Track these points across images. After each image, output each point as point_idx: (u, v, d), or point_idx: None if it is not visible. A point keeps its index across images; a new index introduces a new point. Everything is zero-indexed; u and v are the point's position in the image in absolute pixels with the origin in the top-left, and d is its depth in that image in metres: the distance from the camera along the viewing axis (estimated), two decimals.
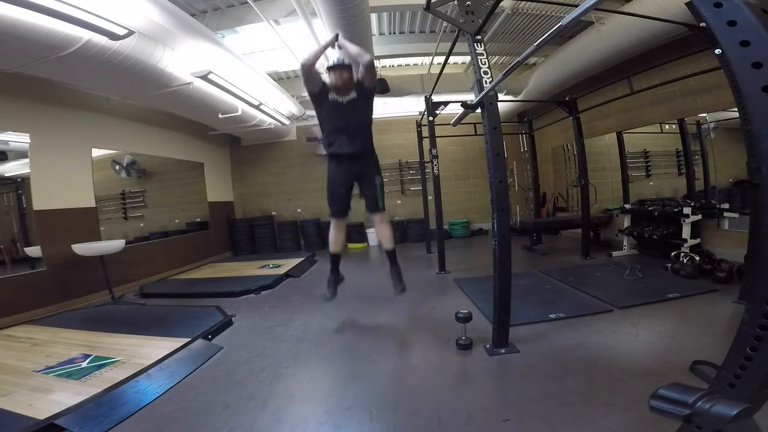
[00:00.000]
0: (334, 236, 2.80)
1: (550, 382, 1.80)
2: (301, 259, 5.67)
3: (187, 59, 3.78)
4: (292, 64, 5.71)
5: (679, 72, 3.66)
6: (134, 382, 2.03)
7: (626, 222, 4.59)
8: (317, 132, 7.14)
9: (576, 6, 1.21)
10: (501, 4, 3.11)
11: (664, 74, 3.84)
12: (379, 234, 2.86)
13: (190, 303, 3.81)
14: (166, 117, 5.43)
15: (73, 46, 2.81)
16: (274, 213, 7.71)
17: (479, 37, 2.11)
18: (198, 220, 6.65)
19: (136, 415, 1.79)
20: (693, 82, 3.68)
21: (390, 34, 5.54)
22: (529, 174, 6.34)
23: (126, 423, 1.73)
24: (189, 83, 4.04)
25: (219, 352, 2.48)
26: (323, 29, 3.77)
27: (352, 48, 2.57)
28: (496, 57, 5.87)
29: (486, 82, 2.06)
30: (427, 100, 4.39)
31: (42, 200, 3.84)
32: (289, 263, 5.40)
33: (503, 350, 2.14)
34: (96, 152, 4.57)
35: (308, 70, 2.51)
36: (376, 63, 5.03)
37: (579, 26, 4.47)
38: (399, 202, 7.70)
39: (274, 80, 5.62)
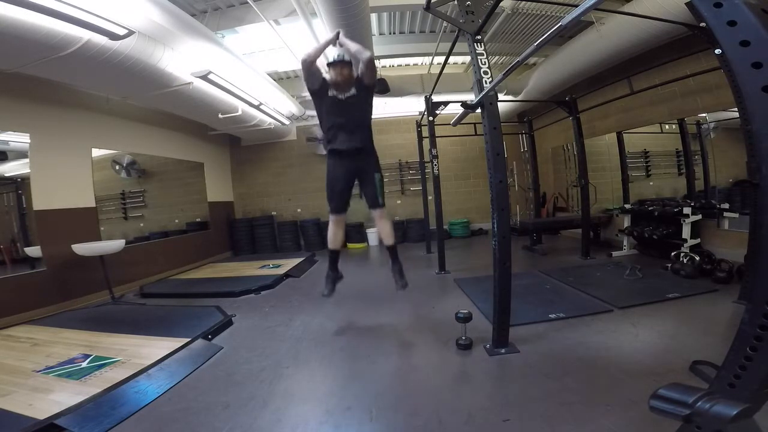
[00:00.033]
0: (333, 232, 2.79)
1: (550, 382, 1.80)
2: (301, 259, 5.67)
3: (187, 59, 3.78)
4: (292, 64, 5.71)
5: (679, 72, 3.66)
6: (134, 382, 2.03)
7: (626, 222, 4.59)
8: (317, 132, 7.15)
9: (576, 6, 1.21)
10: (501, 4, 3.11)
11: (664, 74, 3.84)
12: (379, 230, 2.86)
13: (190, 303, 3.81)
14: (166, 117, 5.43)
15: (73, 46, 2.81)
16: (274, 213, 7.71)
17: (479, 37, 2.11)
18: (198, 220, 6.65)
19: (136, 415, 1.79)
20: (693, 82, 3.68)
21: (390, 34, 5.54)
22: (529, 174, 6.34)
23: (126, 423, 1.73)
24: (189, 83, 4.04)
25: (219, 352, 2.48)
26: (323, 29, 3.77)
27: (353, 45, 2.59)
28: (496, 57, 5.87)
29: (486, 82, 2.06)
30: (427, 100, 4.39)
31: (42, 200, 3.84)
32: (289, 263, 5.40)
33: (503, 350, 2.14)
34: (96, 152, 4.57)
35: (309, 67, 2.52)
36: (376, 63, 5.02)
37: (579, 26, 4.47)
38: (399, 202, 7.70)
39: (274, 80, 5.62)
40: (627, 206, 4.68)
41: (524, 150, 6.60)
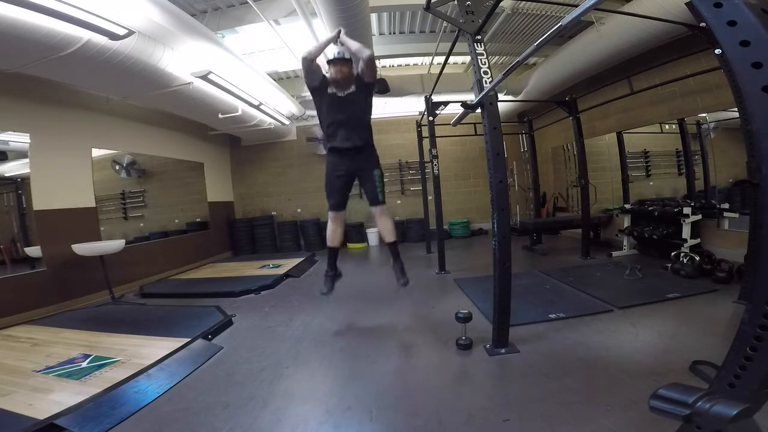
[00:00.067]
0: (332, 230, 2.79)
1: (550, 382, 1.80)
2: (301, 259, 5.67)
3: (187, 59, 3.78)
4: (292, 64, 5.71)
5: (679, 72, 3.66)
6: (134, 382, 2.03)
7: (626, 222, 4.59)
8: (317, 132, 7.15)
9: (576, 6, 1.21)
10: (501, 4, 3.11)
11: (664, 74, 3.84)
12: (380, 227, 2.85)
13: (190, 303, 3.81)
14: (166, 117, 5.42)
15: (73, 46, 2.81)
16: (274, 213, 7.71)
17: (479, 37, 2.11)
18: (198, 220, 6.65)
19: (136, 415, 1.79)
20: (693, 82, 3.68)
21: (390, 34, 5.54)
22: (529, 174, 6.34)
23: (126, 423, 1.73)
24: (189, 83, 4.04)
25: (219, 352, 2.48)
26: (323, 29, 3.77)
27: (353, 44, 2.60)
28: (496, 57, 5.87)
29: (486, 82, 2.06)
30: (427, 100, 4.39)
31: (42, 200, 3.84)
32: (289, 263, 5.40)
33: (503, 350, 2.14)
34: (96, 152, 4.57)
35: (309, 64, 2.53)
36: (377, 63, 5.02)
37: (579, 26, 4.47)
38: (399, 202, 7.69)
39: (274, 80, 5.62)
40: (627, 206, 4.68)
41: (524, 150, 6.60)
